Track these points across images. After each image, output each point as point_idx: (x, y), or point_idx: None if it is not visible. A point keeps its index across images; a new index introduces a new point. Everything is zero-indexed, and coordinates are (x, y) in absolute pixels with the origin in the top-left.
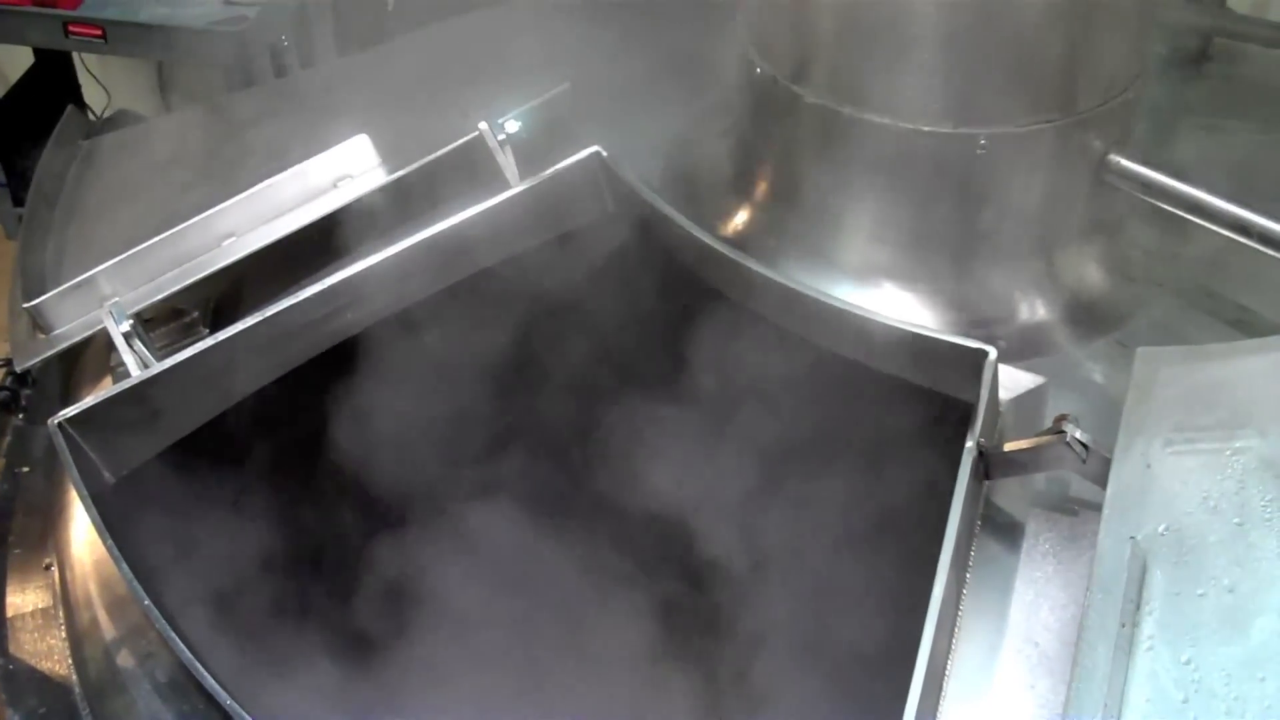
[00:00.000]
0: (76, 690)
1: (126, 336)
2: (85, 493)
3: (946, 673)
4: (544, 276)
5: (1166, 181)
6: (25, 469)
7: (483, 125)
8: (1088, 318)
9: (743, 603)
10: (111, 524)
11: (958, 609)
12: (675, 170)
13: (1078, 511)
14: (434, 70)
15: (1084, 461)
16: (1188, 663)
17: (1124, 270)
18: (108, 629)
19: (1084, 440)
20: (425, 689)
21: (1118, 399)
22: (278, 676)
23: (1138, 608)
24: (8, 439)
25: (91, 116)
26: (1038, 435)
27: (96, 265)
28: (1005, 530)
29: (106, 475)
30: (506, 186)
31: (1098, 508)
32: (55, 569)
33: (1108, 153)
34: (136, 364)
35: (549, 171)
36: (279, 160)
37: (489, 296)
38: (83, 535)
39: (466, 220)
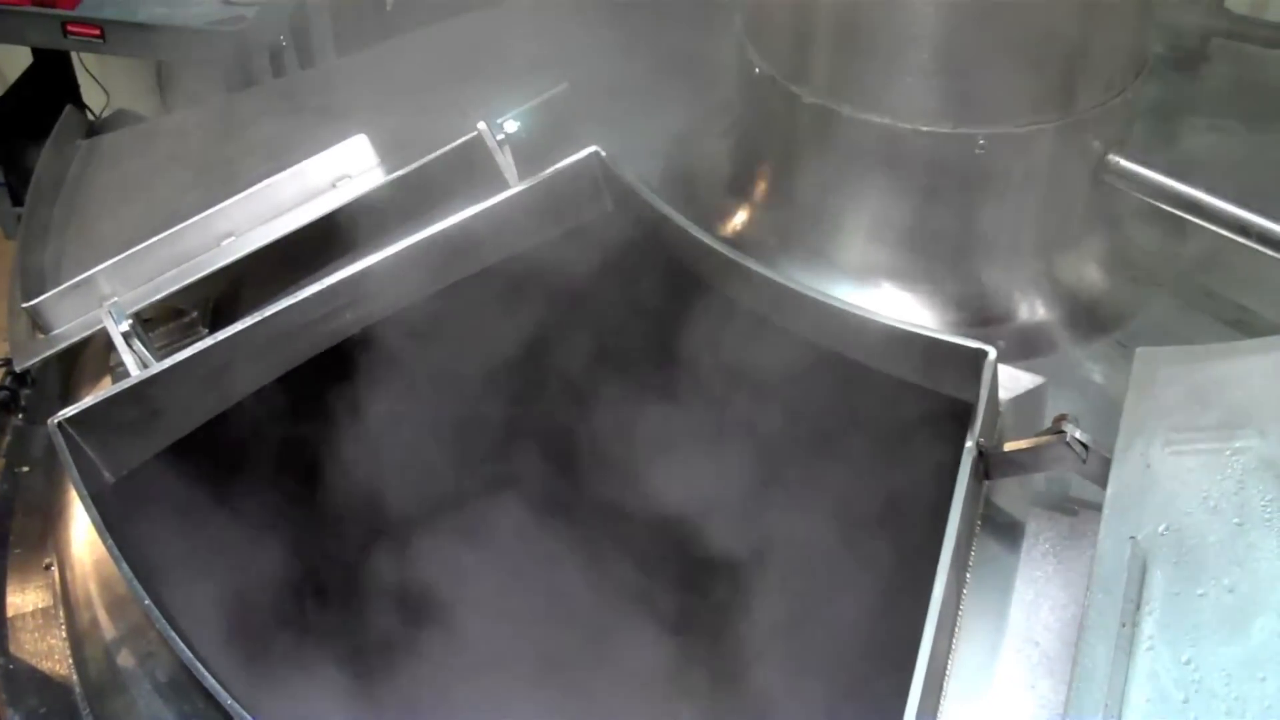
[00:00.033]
0: (77, 690)
1: (126, 336)
2: (85, 493)
3: (946, 673)
4: (542, 277)
5: (1166, 181)
6: (25, 469)
7: (482, 125)
8: (1088, 318)
9: (743, 603)
10: (111, 524)
11: (958, 609)
12: (675, 170)
13: (1078, 511)
14: (434, 70)
15: (1084, 461)
16: (1188, 663)
17: (1124, 270)
18: (108, 629)
19: (1084, 440)
20: (428, 689)
21: (1118, 399)
22: (279, 676)
23: (1138, 608)
24: (7, 439)
25: (90, 116)
26: (1038, 435)
27: (96, 265)
28: (1005, 530)
29: (106, 475)
30: (505, 186)
31: (1098, 508)
32: (55, 569)
33: (1107, 153)
34: (136, 364)
35: (548, 171)
36: (278, 160)
37: (488, 296)
38: (83, 535)
39: (465, 220)
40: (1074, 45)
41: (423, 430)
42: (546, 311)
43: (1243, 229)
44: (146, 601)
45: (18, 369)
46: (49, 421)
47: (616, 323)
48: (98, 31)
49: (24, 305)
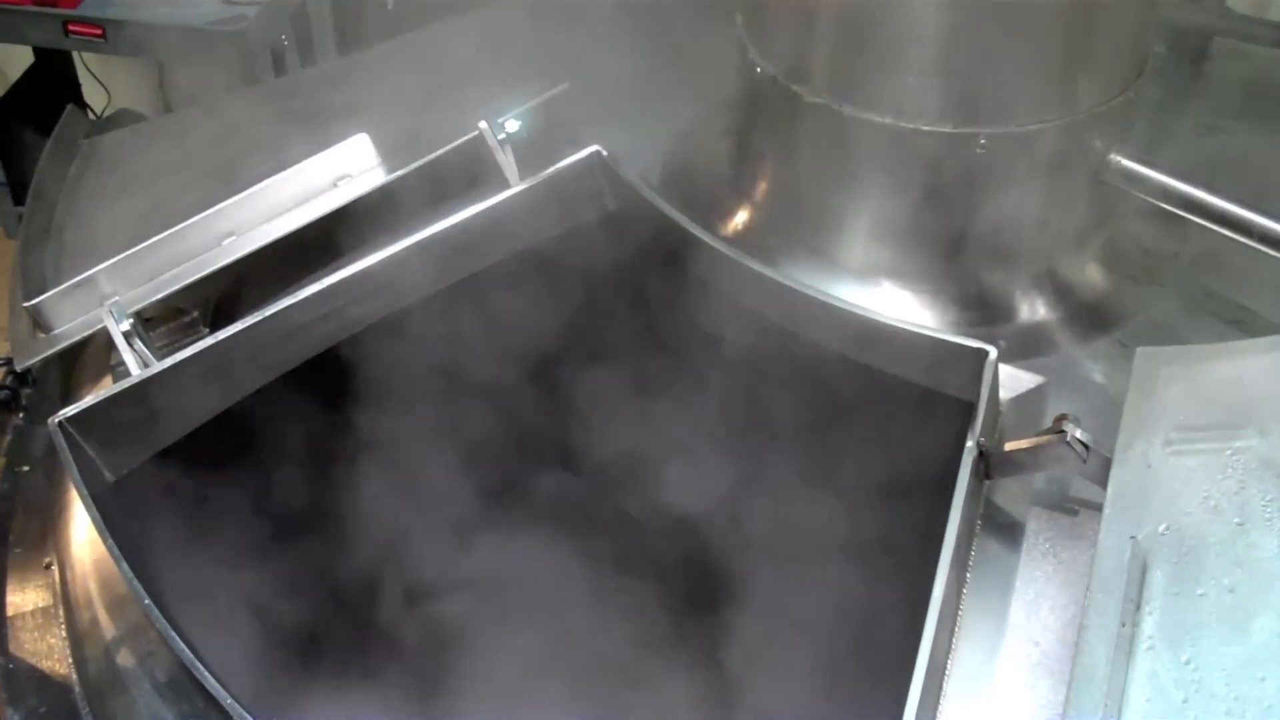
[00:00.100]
0: (76, 690)
1: (126, 336)
2: (85, 492)
3: (946, 672)
4: (543, 276)
5: (1166, 181)
6: (25, 468)
7: (482, 125)
8: (1088, 318)
9: (743, 603)
10: (111, 523)
11: (958, 609)
12: (676, 169)
13: (1078, 511)
14: (435, 70)
15: (1084, 461)
16: (1188, 663)
17: (1124, 270)
18: (108, 628)
19: (1084, 440)
20: (427, 688)
21: (1118, 399)
22: (279, 676)
23: (1138, 608)
24: (8, 438)
25: (91, 116)
26: (1038, 435)
27: (96, 264)
28: (1005, 530)
29: (106, 475)
30: (507, 186)
31: (1098, 507)
32: (55, 568)
33: (1108, 152)
34: (136, 363)
35: (549, 171)
36: (279, 159)
37: (489, 296)
38: (83, 535)
39: (467, 219)
40: (1076, 45)
41: (424, 428)
42: (547, 311)
43: (1243, 229)
44: (146, 601)
45: (18, 368)
46: (49, 421)
47: (617, 321)
48: (99, 31)
49: (25, 304)
